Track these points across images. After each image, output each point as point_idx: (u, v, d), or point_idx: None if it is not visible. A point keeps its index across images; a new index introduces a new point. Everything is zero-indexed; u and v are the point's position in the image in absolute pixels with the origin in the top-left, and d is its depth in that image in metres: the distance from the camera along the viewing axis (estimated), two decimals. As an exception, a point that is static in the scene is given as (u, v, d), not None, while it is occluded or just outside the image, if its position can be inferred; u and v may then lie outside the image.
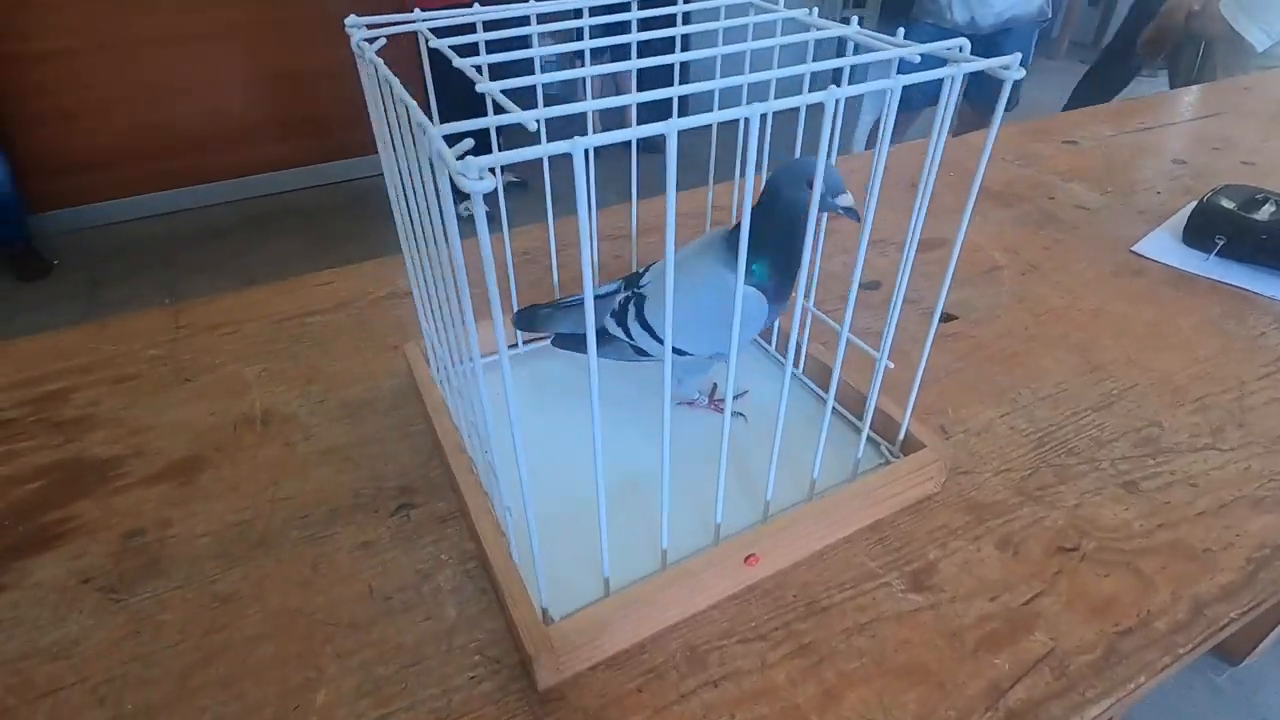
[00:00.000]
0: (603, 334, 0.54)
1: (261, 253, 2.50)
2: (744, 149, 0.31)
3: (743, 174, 0.32)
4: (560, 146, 0.26)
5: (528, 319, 0.58)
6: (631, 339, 0.53)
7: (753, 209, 0.51)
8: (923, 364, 0.47)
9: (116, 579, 0.47)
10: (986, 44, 2.17)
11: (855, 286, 0.50)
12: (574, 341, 0.57)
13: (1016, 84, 0.36)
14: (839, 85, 0.33)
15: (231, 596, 0.46)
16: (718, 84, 0.37)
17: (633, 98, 0.34)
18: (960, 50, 0.37)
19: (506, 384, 0.31)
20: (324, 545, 0.49)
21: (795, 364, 0.61)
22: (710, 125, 0.32)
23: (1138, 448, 0.56)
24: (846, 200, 0.46)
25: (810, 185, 0.45)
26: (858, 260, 0.43)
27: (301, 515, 0.51)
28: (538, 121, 0.27)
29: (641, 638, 0.42)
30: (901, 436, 0.52)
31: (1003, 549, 0.48)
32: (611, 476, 0.51)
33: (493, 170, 0.26)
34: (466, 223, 0.28)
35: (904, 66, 0.38)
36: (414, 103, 0.32)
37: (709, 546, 0.44)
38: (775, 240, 0.48)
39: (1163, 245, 0.83)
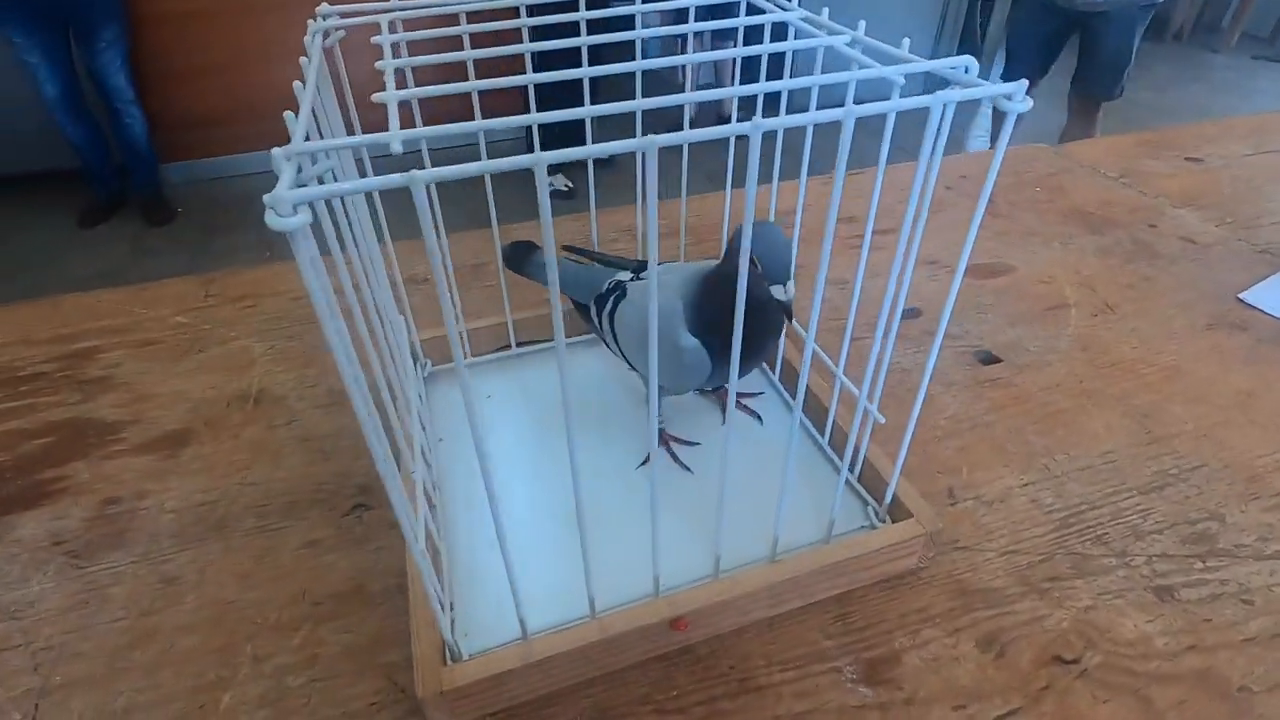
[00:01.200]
0: (587, 309, 0.54)
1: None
2: (642, 181, 0.27)
3: (643, 207, 0.28)
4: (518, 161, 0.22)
5: (519, 255, 0.57)
6: (601, 330, 0.52)
7: (716, 266, 0.47)
8: (915, 414, 0.41)
9: (83, 546, 0.49)
10: (1082, 27, 1.95)
11: (850, 324, 0.45)
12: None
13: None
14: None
15: (176, 579, 0.47)
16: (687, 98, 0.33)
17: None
18: (966, 71, 0.31)
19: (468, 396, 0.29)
20: (273, 538, 0.49)
21: (795, 395, 0.55)
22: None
23: (1186, 545, 0.47)
24: (782, 293, 0.41)
25: (755, 262, 0.40)
26: (853, 293, 0.37)
27: (262, 504, 0.52)
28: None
29: (551, 690, 0.40)
30: (888, 499, 0.46)
31: (985, 648, 0.41)
32: (555, 507, 0.48)
33: (313, 206, 0.23)
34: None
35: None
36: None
37: (648, 598, 0.41)
38: (722, 304, 0.44)
39: (1279, 296, 0.70)
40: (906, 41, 0.34)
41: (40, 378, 0.65)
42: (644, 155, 0.25)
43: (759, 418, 0.57)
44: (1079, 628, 0.42)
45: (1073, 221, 0.84)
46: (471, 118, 0.28)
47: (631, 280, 0.51)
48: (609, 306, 0.51)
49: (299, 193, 0.22)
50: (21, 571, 0.48)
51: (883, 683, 0.40)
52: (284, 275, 0.76)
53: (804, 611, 0.44)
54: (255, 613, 0.45)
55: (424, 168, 0.23)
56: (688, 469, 0.52)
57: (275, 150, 0.24)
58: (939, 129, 0.31)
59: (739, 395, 0.58)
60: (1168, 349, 0.64)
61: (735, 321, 0.31)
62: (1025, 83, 0.29)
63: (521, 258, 0.58)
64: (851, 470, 0.50)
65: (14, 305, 0.75)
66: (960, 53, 0.32)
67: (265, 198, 0.21)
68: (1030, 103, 0.29)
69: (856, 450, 0.49)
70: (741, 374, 0.48)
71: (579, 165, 0.51)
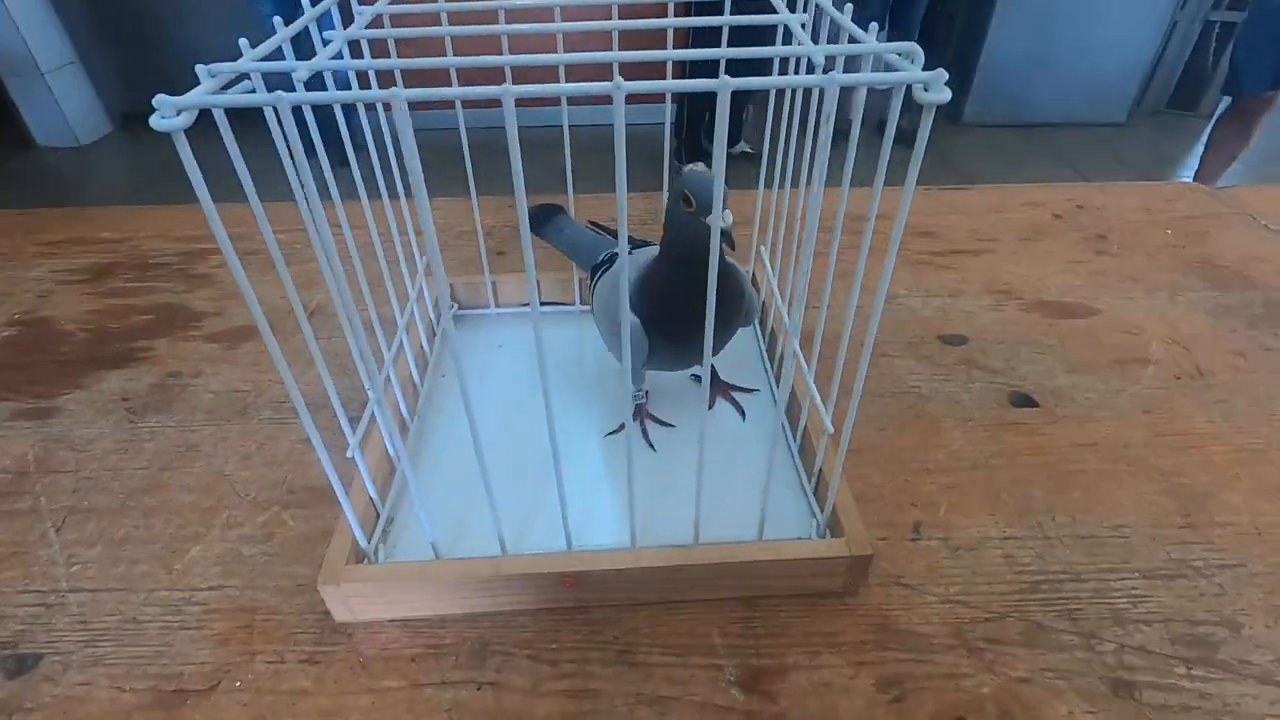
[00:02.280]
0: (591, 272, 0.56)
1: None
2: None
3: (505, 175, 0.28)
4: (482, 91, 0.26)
5: (543, 218, 0.60)
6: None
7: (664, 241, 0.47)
8: (848, 424, 0.39)
9: (140, 405, 0.59)
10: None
11: (796, 327, 0.43)
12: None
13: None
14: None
15: (194, 447, 0.54)
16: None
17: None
18: (911, 60, 0.29)
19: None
20: (279, 430, 0.56)
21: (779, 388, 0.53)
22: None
23: (1175, 645, 0.41)
24: (723, 221, 0.40)
25: (686, 199, 0.39)
26: (826, 297, 0.36)
27: (283, 400, 0.59)
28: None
29: (445, 613, 0.42)
30: (825, 512, 0.44)
31: (883, 689, 0.39)
32: (520, 455, 0.51)
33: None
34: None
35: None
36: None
37: (558, 551, 0.42)
38: (666, 280, 0.44)
39: None
40: (874, 26, 0.32)
41: (162, 267, 0.77)
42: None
43: (741, 411, 0.55)
44: (1000, 697, 0.38)
45: (1195, 272, 0.73)
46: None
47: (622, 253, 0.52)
48: (596, 278, 0.52)
49: (183, 98, 0.25)
50: (93, 415, 0.58)
51: (759, 692, 0.39)
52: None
53: (708, 605, 0.43)
54: (242, 488, 0.51)
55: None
56: (652, 446, 0.53)
57: (199, 66, 0.28)
58: (829, 111, 0.29)
59: (730, 386, 0.57)
60: (1258, 432, 0.54)
61: (710, 273, 0.31)
62: (943, 72, 0.26)
63: (544, 221, 0.60)
64: (810, 478, 0.48)
65: (168, 206, 0.89)
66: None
67: (154, 100, 0.25)
68: (948, 94, 0.26)
69: (813, 458, 0.47)
70: (690, 356, 0.47)
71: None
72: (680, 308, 0.43)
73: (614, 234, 0.59)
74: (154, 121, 0.25)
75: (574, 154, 0.57)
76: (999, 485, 0.50)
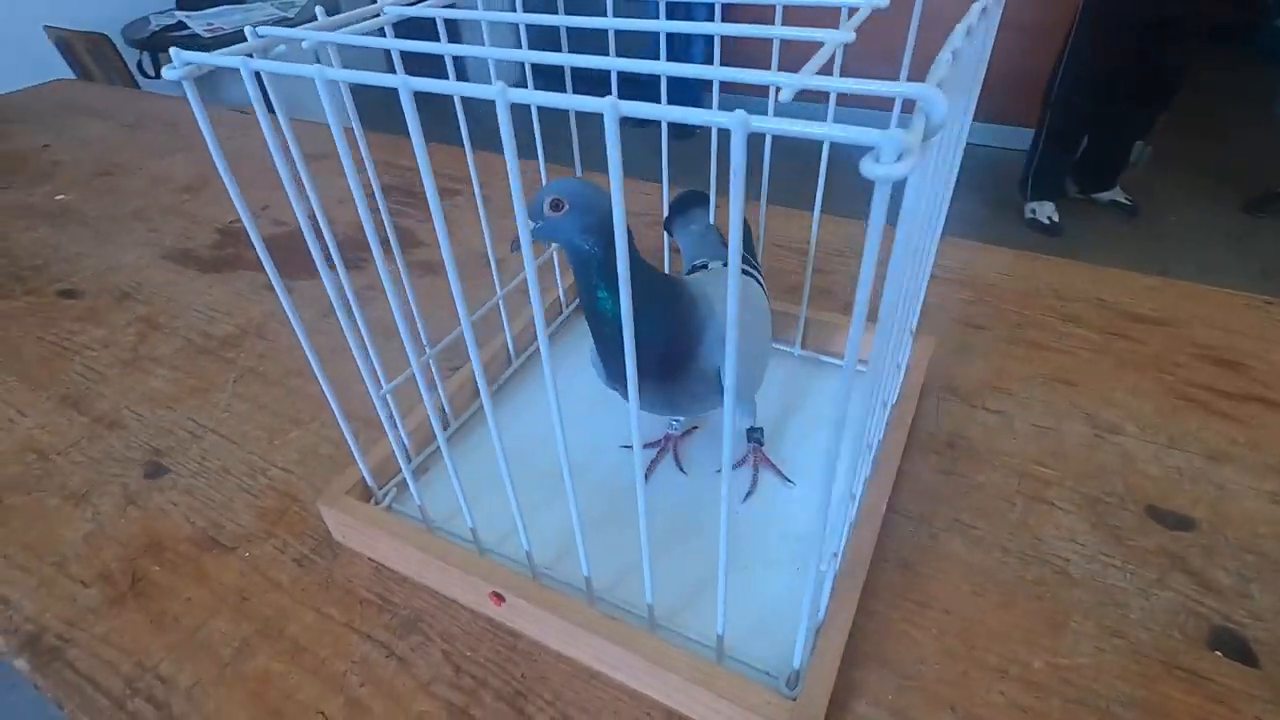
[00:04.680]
0: None
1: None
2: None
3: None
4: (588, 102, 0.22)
5: (685, 203, 0.55)
6: None
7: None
8: (808, 612, 0.30)
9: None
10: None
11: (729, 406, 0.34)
12: None
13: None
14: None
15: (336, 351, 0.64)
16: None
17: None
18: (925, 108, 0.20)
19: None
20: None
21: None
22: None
23: None
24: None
25: (553, 207, 0.33)
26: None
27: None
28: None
29: (408, 575, 0.44)
30: (801, 663, 0.35)
31: None
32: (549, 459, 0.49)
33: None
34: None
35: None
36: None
37: (521, 565, 0.41)
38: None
39: None
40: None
41: (395, 190, 0.91)
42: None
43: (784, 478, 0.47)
44: None
45: None
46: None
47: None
48: None
49: (190, 54, 0.28)
50: (304, 302, 0.71)
51: (616, 820, 0.33)
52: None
53: (631, 696, 0.37)
54: (358, 397, 0.59)
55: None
56: (645, 479, 0.48)
57: (247, 27, 0.31)
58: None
59: (762, 453, 0.48)
60: None
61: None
62: (900, 134, 0.17)
63: (680, 209, 0.56)
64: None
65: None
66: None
67: (170, 51, 0.28)
68: (905, 169, 0.17)
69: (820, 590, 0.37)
70: (646, 403, 0.40)
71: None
72: (610, 340, 0.38)
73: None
74: (166, 71, 0.28)
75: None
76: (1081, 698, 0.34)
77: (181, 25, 2.42)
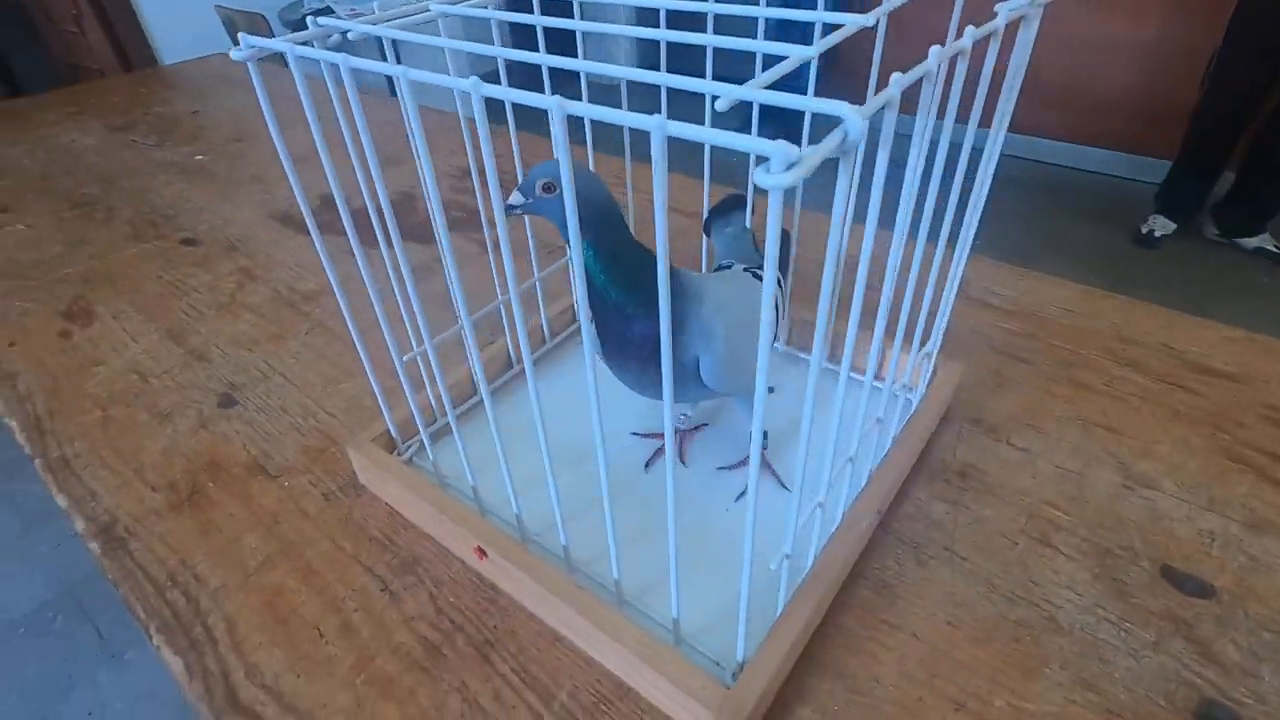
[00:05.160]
0: None
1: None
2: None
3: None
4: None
5: (725, 207, 0.57)
6: None
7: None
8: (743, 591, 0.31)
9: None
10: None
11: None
12: None
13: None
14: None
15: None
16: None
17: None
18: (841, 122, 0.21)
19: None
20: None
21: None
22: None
23: None
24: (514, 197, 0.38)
25: (545, 189, 0.35)
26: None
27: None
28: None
29: (419, 526, 0.48)
30: (741, 655, 0.36)
31: None
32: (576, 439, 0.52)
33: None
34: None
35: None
36: None
37: (511, 527, 0.44)
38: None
39: None
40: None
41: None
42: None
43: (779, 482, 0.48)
44: None
45: None
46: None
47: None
48: None
49: (254, 38, 0.33)
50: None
51: (549, 769, 0.35)
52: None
53: (587, 663, 0.40)
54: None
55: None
56: (645, 469, 0.50)
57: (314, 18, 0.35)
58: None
59: (763, 456, 0.49)
60: None
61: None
62: (787, 146, 0.18)
63: (721, 213, 0.57)
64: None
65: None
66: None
67: (239, 36, 0.33)
68: (791, 179, 0.18)
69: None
70: (630, 381, 0.42)
71: None
72: (599, 313, 0.41)
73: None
74: (233, 53, 0.33)
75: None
76: (1048, 796, 0.33)
77: (328, 9, 2.64)
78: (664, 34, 0.31)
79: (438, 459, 0.49)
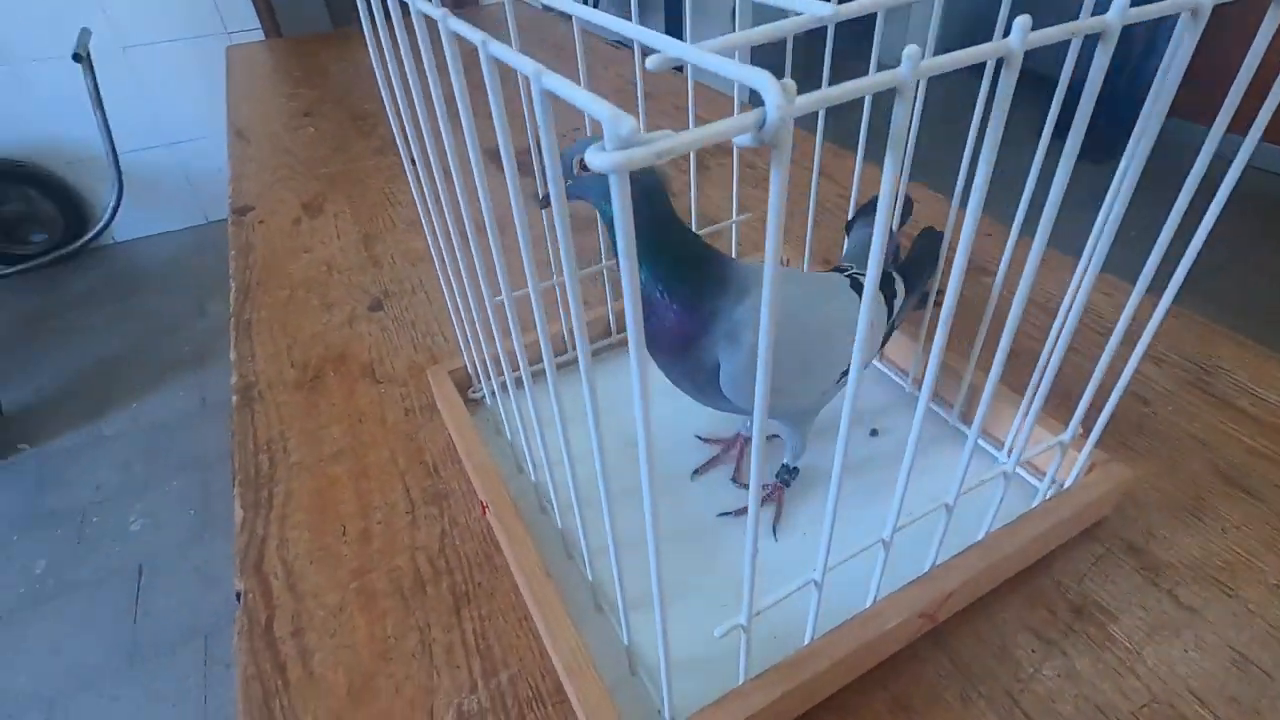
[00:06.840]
0: None
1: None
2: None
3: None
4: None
5: (870, 209, 0.51)
6: None
7: None
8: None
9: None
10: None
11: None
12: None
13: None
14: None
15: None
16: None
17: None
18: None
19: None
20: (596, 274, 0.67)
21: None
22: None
23: None
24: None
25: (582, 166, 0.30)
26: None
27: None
28: None
29: (465, 464, 0.49)
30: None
31: None
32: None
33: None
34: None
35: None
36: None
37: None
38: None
39: None
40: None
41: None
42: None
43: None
44: None
45: None
46: None
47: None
48: None
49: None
50: (551, 215, 0.80)
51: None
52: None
53: (544, 654, 0.38)
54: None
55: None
56: (690, 474, 0.45)
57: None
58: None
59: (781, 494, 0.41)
60: None
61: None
62: (627, 119, 0.13)
63: (864, 213, 0.49)
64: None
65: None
66: None
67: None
68: (611, 162, 0.14)
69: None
70: (663, 370, 0.37)
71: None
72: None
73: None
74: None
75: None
76: None
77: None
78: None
79: (499, 407, 0.50)
